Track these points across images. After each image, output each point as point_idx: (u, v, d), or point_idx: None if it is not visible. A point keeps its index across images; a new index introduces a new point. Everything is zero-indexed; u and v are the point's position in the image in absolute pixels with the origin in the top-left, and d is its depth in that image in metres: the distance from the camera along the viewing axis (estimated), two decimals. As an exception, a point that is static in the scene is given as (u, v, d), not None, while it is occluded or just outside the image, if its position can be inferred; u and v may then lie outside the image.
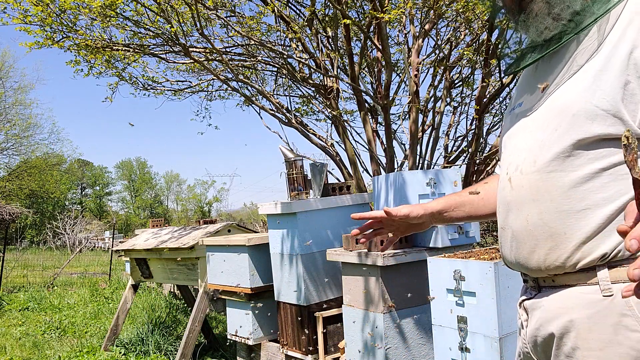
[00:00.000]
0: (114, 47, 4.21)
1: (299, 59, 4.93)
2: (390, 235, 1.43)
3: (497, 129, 5.66)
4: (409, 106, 4.76)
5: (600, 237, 0.99)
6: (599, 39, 1.00)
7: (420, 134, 4.94)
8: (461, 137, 5.63)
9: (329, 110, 4.95)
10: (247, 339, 3.54)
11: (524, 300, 1.18)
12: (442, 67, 5.04)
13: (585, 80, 1.01)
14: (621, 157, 0.99)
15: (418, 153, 4.98)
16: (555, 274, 1.06)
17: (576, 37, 1.04)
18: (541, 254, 1.06)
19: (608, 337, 0.98)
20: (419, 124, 4.90)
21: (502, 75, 4.38)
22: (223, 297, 3.78)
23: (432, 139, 5.17)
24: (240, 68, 5.42)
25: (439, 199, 1.38)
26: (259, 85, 5.62)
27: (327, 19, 4.69)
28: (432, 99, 5.28)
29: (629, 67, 0.96)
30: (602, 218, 0.99)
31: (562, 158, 1.03)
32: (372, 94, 4.88)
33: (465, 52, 4.68)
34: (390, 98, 4.67)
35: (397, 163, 5.08)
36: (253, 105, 5.42)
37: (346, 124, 5.16)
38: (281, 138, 5.46)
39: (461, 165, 5.50)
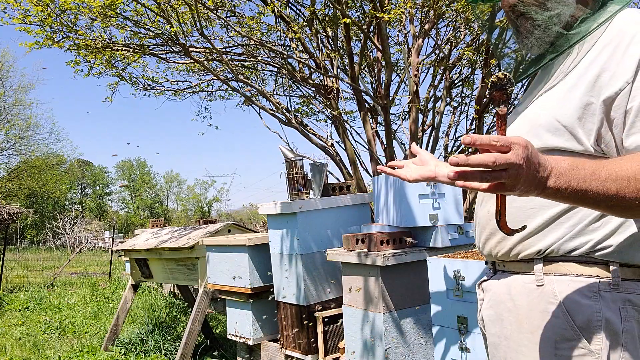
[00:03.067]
0: (114, 47, 4.21)
1: (299, 59, 4.93)
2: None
3: (497, 129, 5.65)
4: (409, 106, 4.76)
5: (540, 235, 1.11)
6: (577, 58, 1.08)
7: (420, 134, 4.94)
8: (461, 137, 5.63)
9: (329, 110, 4.95)
10: (247, 339, 3.54)
11: (483, 281, 1.30)
12: (442, 67, 5.04)
13: (559, 94, 1.09)
14: None
15: (418, 153, 4.96)
16: (504, 260, 1.20)
17: (564, 53, 1.12)
18: (493, 243, 1.21)
19: (537, 322, 1.09)
20: (419, 124, 4.90)
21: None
22: (223, 297, 3.78)
23: (432, 139, 5.17)
24: (240, 68, 5.41)
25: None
26: (259, 85, 5.62)
27: (327, 19, 4.69)
28: (432, 99, 5.28)
29: (594, 88, 1.03)
30: (544, 218, 1.11)
31: None
32: (372, 94, 4.88)
33: (465, 52, 4.68)
34: (390, 98, 4.67)
35: (397, 163, 5.06)
36: (253, 105, 5.42)
37: (346, 124, 5.16)
38: (281, 138, 5.46)
39: (461, 165, 5.50)
